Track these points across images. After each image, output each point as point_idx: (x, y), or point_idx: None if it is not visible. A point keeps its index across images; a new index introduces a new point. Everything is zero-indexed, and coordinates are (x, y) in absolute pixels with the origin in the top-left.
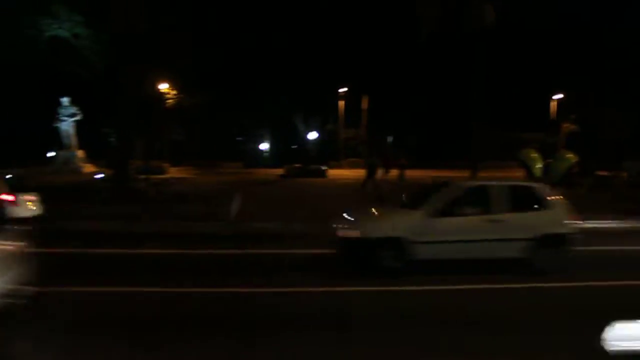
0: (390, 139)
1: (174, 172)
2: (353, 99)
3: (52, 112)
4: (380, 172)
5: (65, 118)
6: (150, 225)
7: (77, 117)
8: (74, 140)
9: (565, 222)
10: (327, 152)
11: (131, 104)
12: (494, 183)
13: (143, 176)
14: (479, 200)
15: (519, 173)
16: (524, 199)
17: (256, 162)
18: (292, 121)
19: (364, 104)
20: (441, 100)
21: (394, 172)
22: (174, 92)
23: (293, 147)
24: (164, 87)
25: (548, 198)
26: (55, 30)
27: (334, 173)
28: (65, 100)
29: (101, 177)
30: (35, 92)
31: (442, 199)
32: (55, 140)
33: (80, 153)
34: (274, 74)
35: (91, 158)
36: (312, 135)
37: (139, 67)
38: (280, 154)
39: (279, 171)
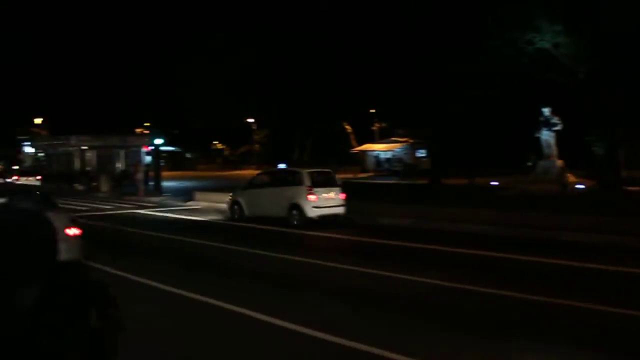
0: None
1: None
2: None
3: (533, 122)
4: None
5: (546, 128)
6: None
7: (558, 127)
8: (554, 150)
9: None
10: None
11: (615, 110)
12: None
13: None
14: None
15: None
16: None
17: None
18: None
19: None
20: None
21: None
22: None
23: None
24: None
25: None
26: (538, 43)
27: None
28: (546, 110)
29: (582, 188)
30: (516, 102)
31: None
32: (535, 149)
33: (559, 162)
34: None
35: (570, 167)
36: None
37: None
38: None
39: None
